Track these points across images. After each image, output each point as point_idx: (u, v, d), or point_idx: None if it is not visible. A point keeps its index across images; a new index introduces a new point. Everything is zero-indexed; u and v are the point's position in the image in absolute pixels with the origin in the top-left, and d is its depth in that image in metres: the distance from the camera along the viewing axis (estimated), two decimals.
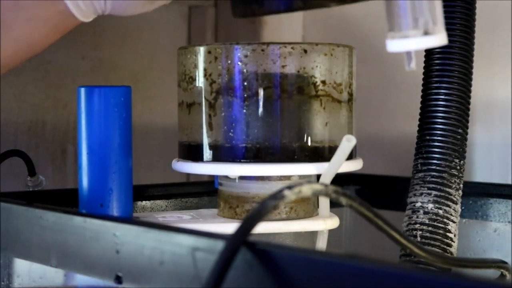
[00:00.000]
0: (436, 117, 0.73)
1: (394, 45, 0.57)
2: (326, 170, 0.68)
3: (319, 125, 0.70)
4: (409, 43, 0.56)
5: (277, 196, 0.46)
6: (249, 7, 0.62)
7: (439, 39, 0.57)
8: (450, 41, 0.73)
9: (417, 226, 0.72)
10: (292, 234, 0.75)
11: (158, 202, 0.83)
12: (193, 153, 0.72)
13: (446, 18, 0.73)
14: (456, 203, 0.73)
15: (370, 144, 1.03)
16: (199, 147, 0.71)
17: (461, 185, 0.74)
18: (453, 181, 0.73)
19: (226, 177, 0.72)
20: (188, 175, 0.99)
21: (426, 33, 0.56)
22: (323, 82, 0.70)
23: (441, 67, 0.73)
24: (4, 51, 0.72)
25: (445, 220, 0.72)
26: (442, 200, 0.72)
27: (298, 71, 0.69)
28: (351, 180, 0.92)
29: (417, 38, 0.56)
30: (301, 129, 0.69)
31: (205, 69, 0.70)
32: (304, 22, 1.16)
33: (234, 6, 0.63)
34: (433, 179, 0.73)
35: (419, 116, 0.75)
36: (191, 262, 0.48)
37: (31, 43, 0.73)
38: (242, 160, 0.69)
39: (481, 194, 0.84)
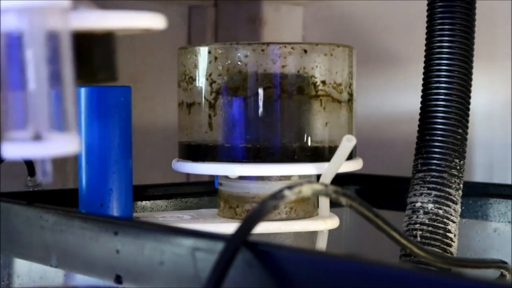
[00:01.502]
0: (436, 117, 0.73)
1: (8, 149, 0.45)
2: (326, 170, 0.68)
3: (319, 125, 0.70)
4: (19, 149, 0.45)
5: (277, 196, 0.46)
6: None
7: (56, 147, 0.45)
8: (450, 41, 0.73)
9: (417, 226, 0.72)
10: (292, 234, 0.75)
11: (158, 202, 0.83)
12: (193, 153, 0.72)
13: (446, 18, 0.73)
14: (456, 203, 0.73)
15: (370, 144, 1.03)
16: (199, 147, 0.71)
17: (461, 185, 0.74)
18: (453, 181, 0.73)
19: (226, 177, 0.72)
20: (188, 175, 0.98)
21: (37, 138, 0.45)
22: (323, 82, 0.70)
23: (441, 66, 0.73)
24: None
25: (445, 220, 0.72)
26: (442, 200, 0.72)
27: (298, 71, 0.69)
28: (351, 180, 0.92)
29: (27, 144, 0.45)
30: (301, 129, 0.69)
31: (205, 69, 0.70)
32: (304, 22, 1.16)
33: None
34: (433, 179, 0.73)
35: (419, 116, 0.75)
36: (191, 262, 0.48)
37: None
38: (242, 160, 0.69)
39: (481, 194, 0.84)
